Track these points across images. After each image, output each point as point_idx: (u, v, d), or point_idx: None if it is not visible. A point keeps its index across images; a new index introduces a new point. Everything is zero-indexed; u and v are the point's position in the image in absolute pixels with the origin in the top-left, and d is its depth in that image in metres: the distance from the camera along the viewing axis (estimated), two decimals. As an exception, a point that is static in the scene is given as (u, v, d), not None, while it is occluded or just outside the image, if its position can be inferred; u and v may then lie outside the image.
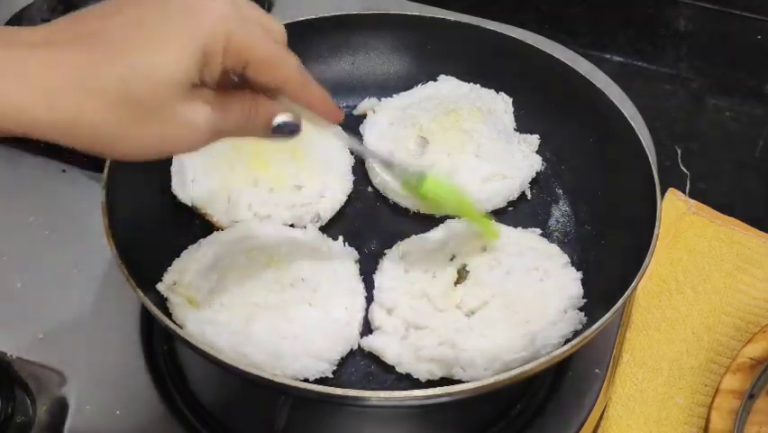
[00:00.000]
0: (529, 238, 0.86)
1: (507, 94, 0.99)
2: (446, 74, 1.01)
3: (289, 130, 0.64)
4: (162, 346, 0.85)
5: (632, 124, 0.88)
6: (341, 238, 0.86)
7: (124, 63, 0.53)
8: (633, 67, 1.30)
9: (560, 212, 0.93)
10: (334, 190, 0.90)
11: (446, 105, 0.95)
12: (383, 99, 1.00)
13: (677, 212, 1.07)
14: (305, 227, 0.87)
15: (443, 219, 0.88)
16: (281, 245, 0.82)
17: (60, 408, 0.82)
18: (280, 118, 0.63)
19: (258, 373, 0.66)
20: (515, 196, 0.92)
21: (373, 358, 0.78)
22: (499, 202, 0.91)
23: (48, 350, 0.85)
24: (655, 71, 1.30)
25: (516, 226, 0.87)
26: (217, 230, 0.86)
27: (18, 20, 1.18)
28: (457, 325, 0.76)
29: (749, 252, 1.03)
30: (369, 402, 0.69)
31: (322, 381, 0.75)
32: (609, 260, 0.83)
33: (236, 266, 0.79)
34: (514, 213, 0.92)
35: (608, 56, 1.31)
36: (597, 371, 0.84)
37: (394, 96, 1.00)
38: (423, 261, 0.82)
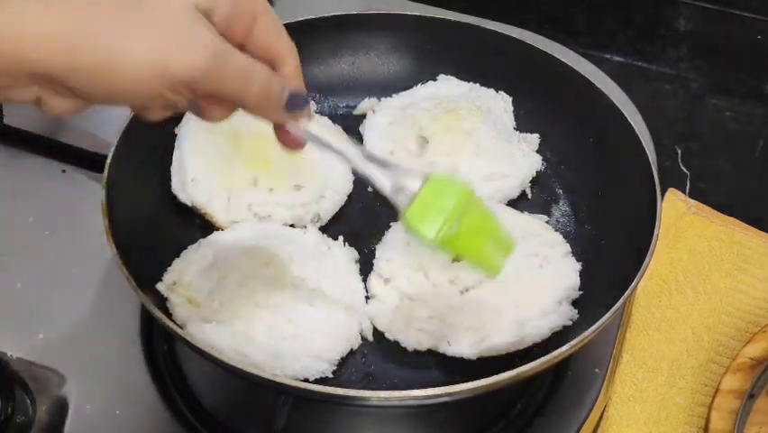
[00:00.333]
0: (535, 224, 0.86)
1: (507, 93, 0.99)
2: (446, 74, 1.01)
3: (301, 103, 0.59)
4: (162, 346, 0.85)
5: (632, 124, 0.88)
6: (341, 238, 0.86)
7: None
8: (633, 67, 1.30)
9: (560, 212, 0.93)
10: (334, 190, 0.90)
11: (446, 104, 0.95)
12: (383, 99, 1.00)
13: (677, 212, 1.07)
14: (305, 227, 0.87)
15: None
16: (281, 246, 0.82)
17: (60, 408, 0.82)
18: (293, 88, 0.58)
19: (258, 373, 0.66)
20: (515, 195, 0.92)
21: (373, 358, 0.79)
22: (499, 201, 0.91)
23: (48, 350, 0.85)
24: (655, 71, 1.30)
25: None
26: (217, 230, 0.86)
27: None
28: (450, 301, 0.77)
29: (749, 252, 1.03)
30: (369, 402, 0.69)
31: (322, 381, 0.75)
32: (609, 260, 0.83)
33: (236, 266, 0.79)
34: (514, 213, 0.92)
35: (608, 56, 1.31)
36: (597, 371, 0.84)
37: (394, 96, 1.00)
38: None
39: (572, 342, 0.69)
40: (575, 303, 0.80)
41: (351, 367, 0.78)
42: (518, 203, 0.93)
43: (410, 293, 0.79)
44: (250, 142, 0.88)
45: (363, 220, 0.91)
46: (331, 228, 0.89)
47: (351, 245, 0.86)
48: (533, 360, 0.68)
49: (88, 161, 0.99)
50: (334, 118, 0.98)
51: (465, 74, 1.01)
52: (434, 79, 1.01)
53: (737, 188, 1.15)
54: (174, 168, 0.89)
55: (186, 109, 0.57)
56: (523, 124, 0.98)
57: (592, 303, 0.79)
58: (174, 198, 0.88)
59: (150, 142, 0.87)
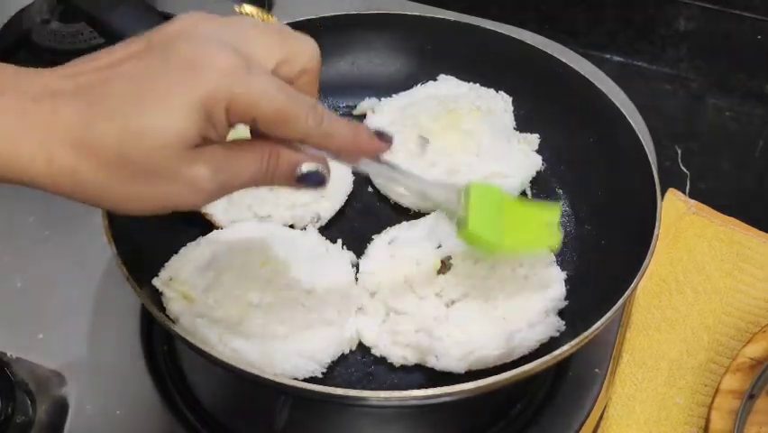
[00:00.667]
0: None
1: (507, 93, 0.99)
2: (446, 74, 1.01)
3: (317, 180, 0.58)
4: (162, 346, 0.85)
5: (632, 123, 0.88)
6: (339, 241, 0.86)
7: (120, 123, 0.51)
8: (633, 67, 1.30)
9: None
10: (334, 190, 0.90)
11: (446, 104, 0.95)
12: (383, 99, 1.00)
13: (677, 212, 1.07)
14: (305, 228, 0.87)
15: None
16: (279, 246, 0.82)
17: (60, 408, 0.82)
18: (306, 167, 0.57)
19: (258, 373, 0.66)
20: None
21: (373, 358, 0.78)
22: (499, 201, 0.91)
23: (48, 350, 0.85)
24: (655, 71, 1.30)
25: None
26: (217, 229, 0.86)
27: (18, 20, 1.18)
28: (436, 313, 0.77)
29: (749, 252, 1.03)
30: (369, 402, 0.69)
31: (321, 381, 0.75)
32: (609, 259, 0.83)
33: (232, 265, 0.79)
34: (514, 213, 0.92)
35: (608, 56, 1.31)
36: (597, 371, 0.84)
37: (394, 96, 1.00)
38: (409, 247, 0.82)
39: (573, 342, 0.69)
40: (566, 312, 0.80)
41: (351, 367, 0.78)
42: (518, 203, 0.93)
43: (395, 307, 0.78)
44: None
45: (363, 220, 0.91)
46: (331, 228, 0.89)
47: (350, 246, 0.86)
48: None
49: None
50: (334, 118, 0.98)
51: (465, 74, 1.01)
52: (435, 79, 1.01)
53: (737, 188, 1.15)
54: (174, 168, 0.89)
55: None
56: (523, 124, 0.98)
57: (592, 303, 0.79)
58: (174, 198, 0.88)
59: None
